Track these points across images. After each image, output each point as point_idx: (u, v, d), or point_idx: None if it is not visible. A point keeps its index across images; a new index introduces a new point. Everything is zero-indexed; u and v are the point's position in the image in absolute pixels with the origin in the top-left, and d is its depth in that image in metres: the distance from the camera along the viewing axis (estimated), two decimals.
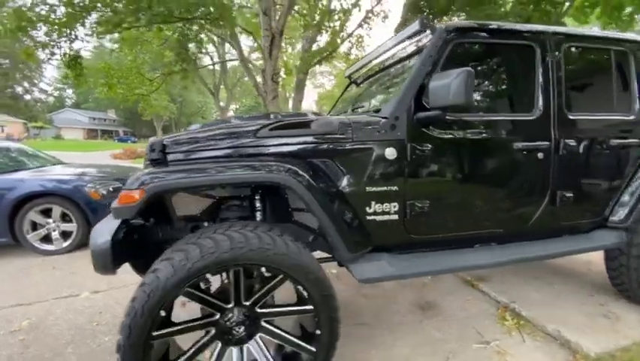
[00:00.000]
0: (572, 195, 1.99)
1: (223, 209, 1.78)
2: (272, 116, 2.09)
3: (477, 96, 1.99)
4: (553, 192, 1.96)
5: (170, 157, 1.52)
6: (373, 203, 1.68)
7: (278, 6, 8.22)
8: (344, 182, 1.63)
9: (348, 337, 2.05)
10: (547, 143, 1.89)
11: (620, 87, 2.12)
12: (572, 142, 1.93)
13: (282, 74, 8.82)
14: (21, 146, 5.24)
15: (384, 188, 1.68)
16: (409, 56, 2.02)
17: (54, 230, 3.55)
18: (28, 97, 47.26)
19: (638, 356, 1.80)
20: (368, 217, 1.68)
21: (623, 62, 2.11)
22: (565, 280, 2.72)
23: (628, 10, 8.46)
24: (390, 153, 1.67)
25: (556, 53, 1.92)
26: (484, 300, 2.48)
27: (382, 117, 1.69)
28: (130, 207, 1.32)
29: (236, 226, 1.37)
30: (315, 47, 9.39)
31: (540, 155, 1.89)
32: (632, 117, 2.10)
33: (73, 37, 6.25)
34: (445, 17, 10.19)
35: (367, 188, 1.66)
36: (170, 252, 1.29)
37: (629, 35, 2.19)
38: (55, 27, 5.99)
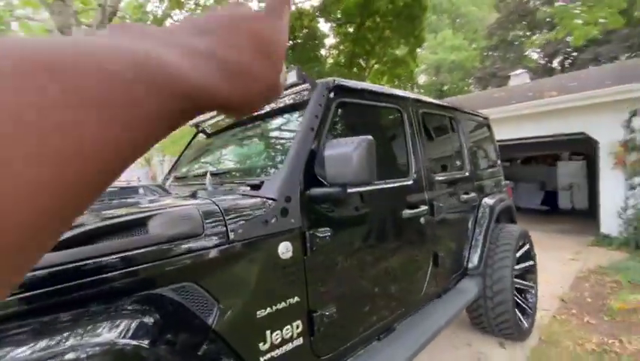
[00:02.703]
0: (445, 253, 2.04)
1: None
2: None
3: None
4: (435, 254, 1.94)
5: None
6: (269, 333, 1.10)
7: None
8: (218, 316, 0.98)
9: None
10: (426, 207, 1.85)
11: (455, 148, 2.43)
12: (439, 203, 1.99)
13: None
14: None
15: (283, 304, 1.14)
16: (283, 111, 1.63)
17: None
18: None
19: None
20: (263, 358, 1.07)
21: (454, 127, 2.45)
22: None
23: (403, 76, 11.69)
24: (285, 248, 1.16)
25: (417, 117, 1.98)
26: None
27: (268, 198, 1.17)
28: None
29: None
30: None
31: (422, 220, 1.83)
32: (467, 174, 2.42)
33: None
34: None
35: (259, 312, 1.07)
36: None
37: (452, 103, 2.58)
38: None
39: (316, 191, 1.28)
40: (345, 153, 1.19)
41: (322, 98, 1.42)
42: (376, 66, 11.36)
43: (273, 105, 1.64)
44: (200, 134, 2.31)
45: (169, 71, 0.17)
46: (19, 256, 0.13)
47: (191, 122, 2.22)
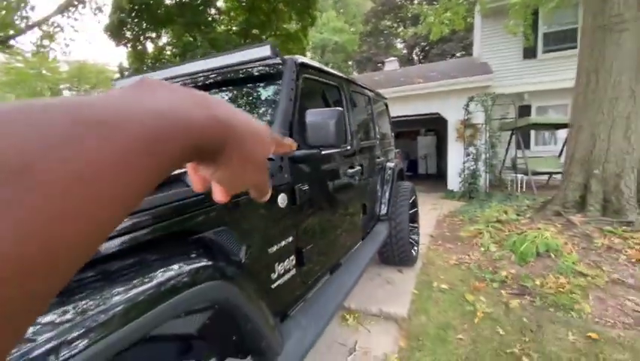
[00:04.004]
0: (369, 203, 2.60)
1: None
2: None
3: None
4: (364, 205, 2.47)
5: None
6: (277, 265, 1.37)
7: None
8: (244, 255, 1.20)
9: None
10: (359, 167, 2.34)
11: (369, 121, 2.99)
12: (365, 164, 2.51)
13: None
14: None
15: (283, 243, 1.42)
16: (256, 80, 1.77)
17: None
18: None
19: (420, 301, 2.69)
20: (274, 286, 1.35)
21: (369, 103, 2.99)
22: None
23: (295, 51, 11.99)
24: (282, 199, 1.42)
25: (349, 94, 2.40)
26: None
27: (268, 158, 1.39)
28: None
29: None
30: None
31: (357, 178, 2.31)
32: (377, 142, 3.03)
33: None
34: (159, 31, 9.60)
35: (269, 250, 1.33)
36: None
37: (366, 84, 3.11)
38: None
39: (298, 152, 1.55)
40: (324, 121, 1.49)
41: (293, 73, 1.66)
42: (270, 39, 11.31)
43: (244, 74, 1.76)
44: None
45: (187, 118, 0.20)
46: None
47: (118, 84, 2.08)
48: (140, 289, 0.72)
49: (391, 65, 12.91)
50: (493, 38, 8.80)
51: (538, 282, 2.82)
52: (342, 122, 1.52)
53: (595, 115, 3.71)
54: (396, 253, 3.13)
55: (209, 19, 8.94)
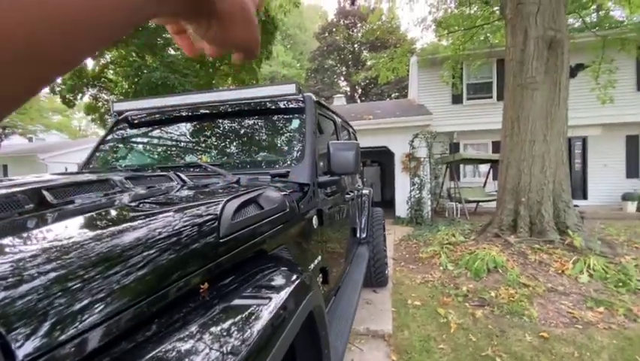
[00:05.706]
0: (354, 227, 2.82)
1: None
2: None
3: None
4: (353, 228, 2.68)
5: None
6: None
7: None
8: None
9: None
10: (353, 193, 2.56)
11: None
12: (353, 190, 2.75)
13: None
14: None
15: (316, 261, 1.54)
16: (265, 113, 1.93)
17: None
18: None
19: (399, 318, 2.91)
20: None
21: (351, 136, 3.30)
22: None
23: (248, 81, 12.16)
24: (315, 220, 1.56)
25: (339, 127, 2.66)
26: None
27: (303, 184, 1.53)
28: None
29: None
30: None
31: (350, 202, 2.53)
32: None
33: None
34: None
35: (309, 267, 1.44)
36: None
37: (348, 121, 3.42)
38: None
39: (323, 178, 1.72)
40: (345, 152, 1.70)
41: (313, 109, 1.86)
42: (224, 68, 11.40)
43: (264, 107, 1.90)
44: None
45: None
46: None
47: (117, 107, 2.08)
48: (279, 299, 0.80)
49: (339, 101, 13.88)
50: (428, 85, 10.18)
51: (493, 294, 3.27)
52: (359, 152, 1.74)
53: (519, 154, 4.57)
54: (374, 275, 3.35)
55: (162, 42, 8.75)
